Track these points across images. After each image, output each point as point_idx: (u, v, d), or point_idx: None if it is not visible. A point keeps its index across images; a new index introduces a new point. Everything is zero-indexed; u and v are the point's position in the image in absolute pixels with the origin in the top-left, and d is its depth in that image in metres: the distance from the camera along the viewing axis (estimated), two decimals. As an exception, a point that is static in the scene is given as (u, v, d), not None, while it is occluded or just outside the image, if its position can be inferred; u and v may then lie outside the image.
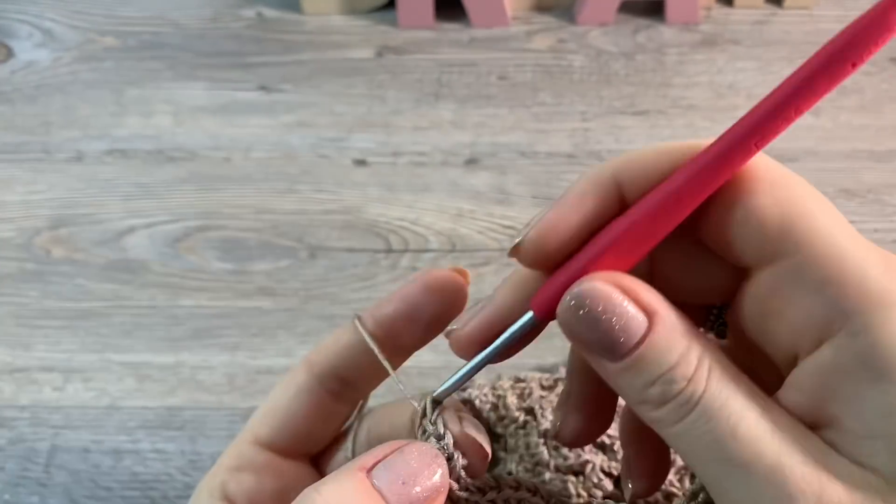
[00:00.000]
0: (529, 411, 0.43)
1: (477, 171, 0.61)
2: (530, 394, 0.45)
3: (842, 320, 0.19)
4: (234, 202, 0.60)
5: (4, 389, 0.51)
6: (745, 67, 0.67)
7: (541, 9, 0.73)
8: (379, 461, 0.22)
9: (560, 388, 0.47)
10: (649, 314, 0.21)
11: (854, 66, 0.19)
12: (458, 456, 0.24)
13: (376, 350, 0.27)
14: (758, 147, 0.21)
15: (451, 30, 0.71)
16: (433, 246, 0.57)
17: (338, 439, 0.31)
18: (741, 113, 0.21)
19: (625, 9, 0.71)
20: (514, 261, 0.23)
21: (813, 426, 0.20)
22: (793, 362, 0.21)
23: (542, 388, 0.46)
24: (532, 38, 0.71)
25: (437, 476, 0.22)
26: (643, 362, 0.21)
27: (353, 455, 0.30)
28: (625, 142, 0.63)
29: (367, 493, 0.21)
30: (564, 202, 0.22)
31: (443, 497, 0.23)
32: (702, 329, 0.27)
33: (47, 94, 0.68)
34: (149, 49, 0.71)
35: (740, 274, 0.23)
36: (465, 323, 0.24)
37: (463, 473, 0.24)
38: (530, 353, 0.26)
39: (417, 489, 0.22)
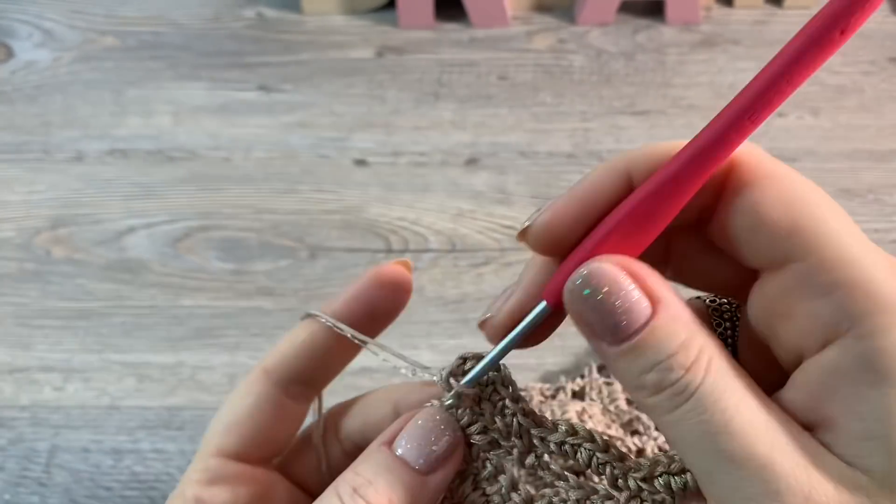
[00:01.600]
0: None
1: (477, 171, 0.61)
2: (530, 401, 0.45)
3: (848, 323, 0.20)
4: (234, 202, 0.60)
5: (4, 389, 0.51)
6: (745, 67, 0.67)
7: (541, 9, 0.73)
8: (396, 434, 0.25)
9: (561, 396, 0.47)
10: (654, 300, 0.21)
11: (843, 33, 0.19)
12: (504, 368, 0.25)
13: (346, 330, 0.28)
14: (752, 122, 0.20)
15: (451, 30, 0.71)
16: (433, 246, 0.57)
17: (303, 440, 0.32)
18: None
19: (625, 9, 0.71)
20: (517, 257, 0.23)
21: (810, 427, 0.21)
22: (798, 363, 0.21)
23: (543, 396, 0.46)
24: (532, 38, 0.71)
25: (448, 434, 0.25)
26: (643, 347, 0.21)
27: (325, 456, 0.31)
28: (625, 142, 0.63)
29: (393, 462, 0.24)
30: (576, 190, 0.22)
31: (460, 450, 0.25)
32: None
33: (47, 94, 0.68)
34: (149, 49, 0.71)
35: (751, 273, 0.23)
36: (498, 310, 0.24)
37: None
38: (529, 352, 0.26)
39: (434, 448, 0.24)
